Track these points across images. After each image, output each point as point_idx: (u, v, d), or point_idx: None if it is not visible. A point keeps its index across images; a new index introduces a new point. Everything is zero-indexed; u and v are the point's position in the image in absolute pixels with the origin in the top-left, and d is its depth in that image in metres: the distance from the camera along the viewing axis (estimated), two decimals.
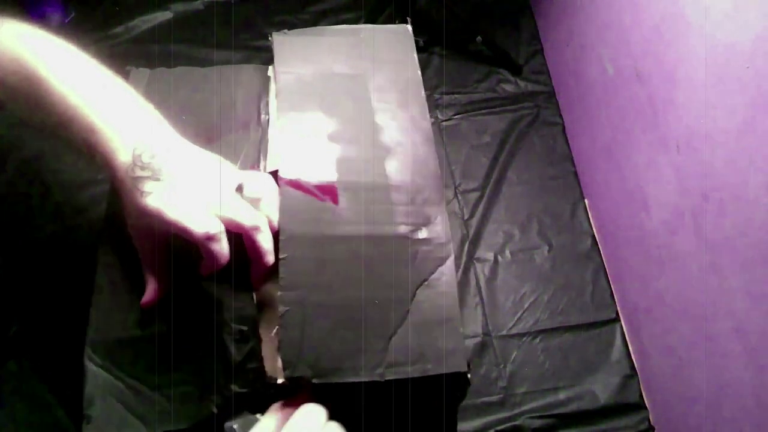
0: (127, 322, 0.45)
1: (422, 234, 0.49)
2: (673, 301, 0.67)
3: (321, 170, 0.49)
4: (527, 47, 0.97)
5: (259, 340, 0.44)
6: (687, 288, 0.64)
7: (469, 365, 0.45)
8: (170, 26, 0.95)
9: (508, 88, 0.94)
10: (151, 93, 0.58)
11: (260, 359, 0.43)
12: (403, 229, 0.48)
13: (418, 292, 0.47)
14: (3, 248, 0.67)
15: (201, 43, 0.93)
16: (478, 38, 0.95)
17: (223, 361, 0.43)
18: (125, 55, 0.91)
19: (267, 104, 0.55)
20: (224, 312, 0.45)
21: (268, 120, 0.54)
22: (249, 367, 0.43)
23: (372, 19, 0.96)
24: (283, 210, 0.45)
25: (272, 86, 0.57)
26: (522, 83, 0.95)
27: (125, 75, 0.59)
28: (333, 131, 0.51)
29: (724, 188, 0.56)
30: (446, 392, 0.49)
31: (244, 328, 0.44)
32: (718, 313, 0.59)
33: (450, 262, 0.49)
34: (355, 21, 0.96)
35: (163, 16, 0.96)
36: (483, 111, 0.92)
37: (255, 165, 0.51)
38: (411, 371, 0.44)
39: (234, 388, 0.42)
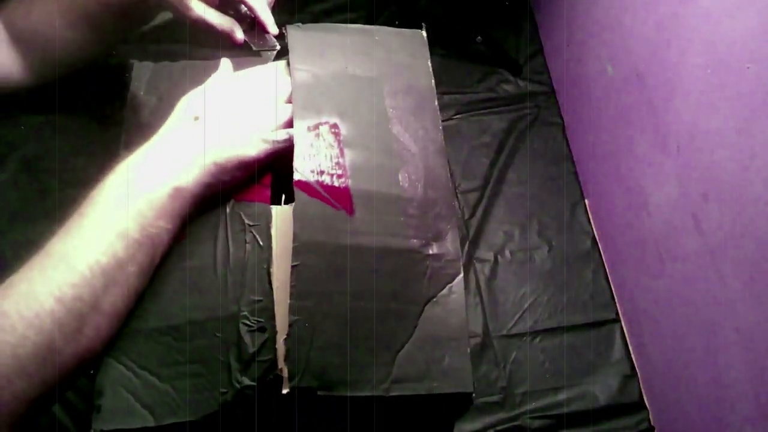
0: (142, 313, 0.45)
1: (433, 249, 0.48)
2: (673, 301, 0.67)
3: (335, 175, 0.48)
4: (527, 47, 0.97)
5: (275, 333, 0.44)
6: (687, 288, 0.64)
7: (474, 385, 0.45)
8: (170, 26, 0.95)
9: (508, 88, 0.94)
10: (154, 86, 0.58)
11: (274, 351, 0.43)
12: (414, 243, 0.48)
13: (426, 308, 0.47)
14: (3, 247, 0.67)
15: (201, 43, 0.93)
16: (478, 38, 0.95)
17: (236, 352, 0.43)
18: (125, 55, 0.91)
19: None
20: (241, 304, 0.44)
21: None
22: (261, 360, 0.43)
23: (372, 20, 0.96)
24: (297, 216, 0.45)
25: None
26: (522, 83, 0.95)
27: (128, 68, 0.60)
28: (347, 136, 0.50)
29: (724, 188, 0.56)
30: (447, 409, 0.49)
31: (261, 319, 0.44)
32: (718, 313, 0.59)
33: (459, 280, 0.48)
34: (355, 21, 0.96)
35: (163, 16, 0.96)
36: (483, 111, 0.92)
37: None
38: (416, 388, 0.44)
39: (245, 380, 0.42)
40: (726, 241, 0.56)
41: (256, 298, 0.44)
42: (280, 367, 0.42)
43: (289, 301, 0.43)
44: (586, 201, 0.86)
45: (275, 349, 0.43)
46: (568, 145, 0.90)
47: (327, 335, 0.43)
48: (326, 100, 0.52)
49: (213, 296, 0.45)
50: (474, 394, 0.44)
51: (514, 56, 0.95)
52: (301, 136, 0.49)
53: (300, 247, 0.44)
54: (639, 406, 0.74)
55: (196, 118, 0.49)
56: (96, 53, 0.69)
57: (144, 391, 0.42)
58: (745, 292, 0.54)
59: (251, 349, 0.42)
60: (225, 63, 0.57)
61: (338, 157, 0.49)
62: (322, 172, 0.48)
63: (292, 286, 0.43)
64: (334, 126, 0.50)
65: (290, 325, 0.42)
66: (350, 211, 0.47)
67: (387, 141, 0.51)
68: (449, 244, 0.49)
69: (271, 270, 0.45)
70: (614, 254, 0.81)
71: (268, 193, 0.50)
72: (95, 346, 0.42)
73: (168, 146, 0.48)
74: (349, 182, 0.48)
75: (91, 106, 0.78)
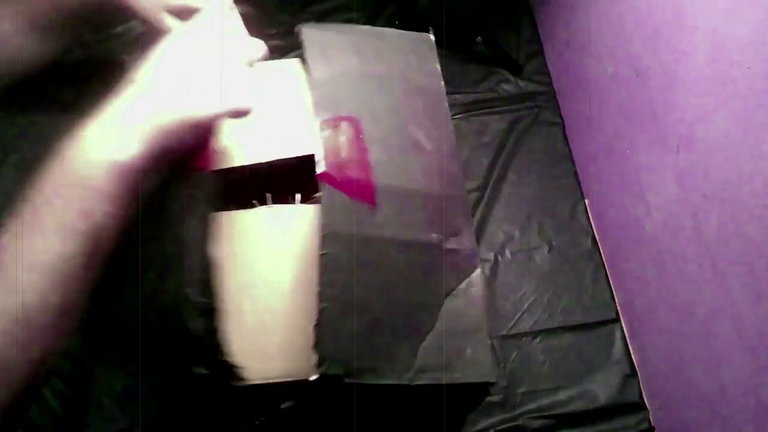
0: (106, 311, 0.44)
1: (451, 244, 0.49)
2: (673, 301, 0.67)
3: (358, 169, 0.48)
4: (527, 47, 0.97)
5: (223, 318, 0.42)
6: (687, 288, 0.64)
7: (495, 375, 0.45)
8: None
9: (508, 88, 0.94)
10: None
11: (223, 337, 0.42)
12: (434, 237, 0.48)
13: (447, 301, 0.47)
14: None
15: None
16: (478, 38, 0.95)
17: (185, 341, 0.42)
18: (125, 56, 0.91)
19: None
20: (185, 285, 0.42)
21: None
22: (213, 344, 0.41)
23: (372, 20, 0.96)
24: (325, 207, 0.45)
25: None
26: (522, 83, 0.95)
27: (123, 65, 0.59)
28: (367, 132, 0.50)
29: (724, 188, 0.56)
30: (464, 399, 0.49)
31: (207, 299, 0.42)
32: (718, 313, 0.59)
33: (478, 273, 0.49)
34: (356, 21, 0.96)
35: None
36: (483, 111, 0.92)
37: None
38: (440, 378, 0.44)
39: (199, 370, 0.41)
40: (726, 241, 0.56)
41: (203, 275, 0.43)
42: (296, 370, 0.42)
43: (311, 292, 0.42)
44: (586, 201, 0.86)
45: (224, 335, 0.42)
46: (568, 145, 0.90)
47: (353, 324, 0.43)
48: (344, 96, 0.51)
49: (166, 281, 0.44)
50: (494, 383, 0.45)
51: (514, 56, 0.95)
52: (322, 129, 0.48)
53: (327, 237, 0.43)
54: (639, 406, 0.74)
55: (132, 82, 0.43)
56: (50, 57, 0.66)
57: (123, 393, 0.42)
58: (745, 292, 0.54)
59: (201, 333, 0.41)
60: (176, 25, 0.51)
61: (361, 152, 0.48)
62: (345, 166, 0.47)
63: (320, 275, 0.42)
64: (356, 121, 0.50)
65: (319, 312, 0.42)
66: (373, 204, 0.46)
67: (404, 139, 0.51)
68: (466, 240, 0.49)
69: (215, 248, 0.44)
70: (614, 254, 0.81)
71: (219, 158, 0.48)
72: (51, 346, 0.39)
73: (101, 119, 0.42)
74: (372, 176, 0.48)
75: (91, 106, 0.78)
